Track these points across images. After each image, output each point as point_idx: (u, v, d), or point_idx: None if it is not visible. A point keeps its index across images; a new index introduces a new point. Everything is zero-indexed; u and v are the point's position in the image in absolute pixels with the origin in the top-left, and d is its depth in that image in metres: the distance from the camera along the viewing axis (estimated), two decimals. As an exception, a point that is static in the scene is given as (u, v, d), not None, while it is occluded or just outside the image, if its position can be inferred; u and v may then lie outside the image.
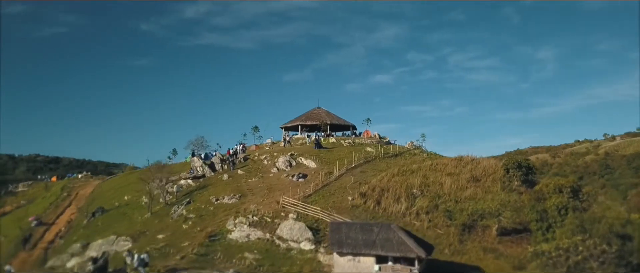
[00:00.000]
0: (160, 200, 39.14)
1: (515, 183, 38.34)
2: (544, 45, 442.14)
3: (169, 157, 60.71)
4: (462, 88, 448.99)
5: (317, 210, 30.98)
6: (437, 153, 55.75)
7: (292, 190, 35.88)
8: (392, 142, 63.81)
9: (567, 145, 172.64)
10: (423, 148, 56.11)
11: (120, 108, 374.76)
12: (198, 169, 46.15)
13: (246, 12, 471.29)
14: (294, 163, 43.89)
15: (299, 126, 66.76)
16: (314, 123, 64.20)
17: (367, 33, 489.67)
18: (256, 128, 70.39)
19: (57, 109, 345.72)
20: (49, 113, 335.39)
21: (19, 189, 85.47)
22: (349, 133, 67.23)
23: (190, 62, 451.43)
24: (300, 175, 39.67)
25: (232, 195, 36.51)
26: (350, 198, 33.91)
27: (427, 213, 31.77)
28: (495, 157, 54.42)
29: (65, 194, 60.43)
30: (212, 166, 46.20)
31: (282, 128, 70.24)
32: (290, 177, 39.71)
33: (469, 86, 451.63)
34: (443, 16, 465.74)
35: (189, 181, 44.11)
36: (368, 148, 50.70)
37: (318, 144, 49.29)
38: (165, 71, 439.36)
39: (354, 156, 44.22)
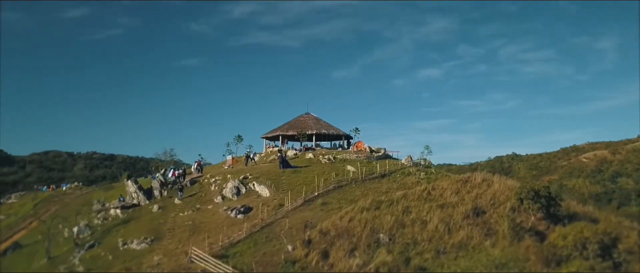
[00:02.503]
0: (75, 237, 32.33)
1: (532, 218, 29.29)
2: (604, 35, 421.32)
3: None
4: (514, 81, 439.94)
5: (230, 271, 22.92)
6: (448, 164, 46.77)
7: (226, 230, 28.23)
8: (391, 155, 54.99)
9: (628, 141, 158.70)
10: (422, 165, 46.95)
11: (173, 107, 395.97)
12: (132, 195, 39.11)
13: (292, 11, 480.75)
14: (242, 190, 36.02)
15: (280, 137, 58.88)
16: (296, 132, 56.14)
17: (415, 27, 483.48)
18: (239, 137, 63.38)
19: (112, 108, 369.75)
20: (105, 111, 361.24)
21: (11, 200, 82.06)
22: (339, 143, 58.87)
23: (239, 62, 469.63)
24: (242, 209, 31.76)
25: (143, 237, 29.06)
26: (289, 247, 25.70)
27: (389, 274, 23.23)
28: (514, 178, 44.76)
29: (31, 213, 55.51)
30: (149, 193, 39.04)
31: (263, 138, 62.63)
32: (229, 211, 31.87)
33: (522, 79, 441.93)
34: (494, 8, 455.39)
35: (118, 211, 37.14)
36: (348, 167, 42.19)
37: (284, 162, 41.18)
38: (215, 71, 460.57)
39: (319, 182, 35.84)
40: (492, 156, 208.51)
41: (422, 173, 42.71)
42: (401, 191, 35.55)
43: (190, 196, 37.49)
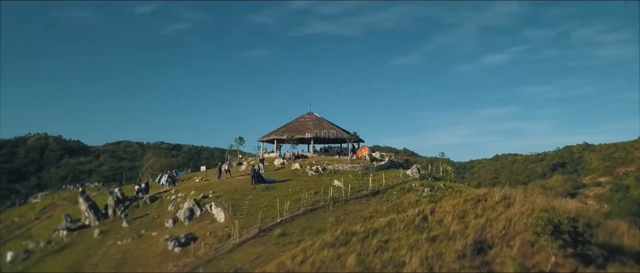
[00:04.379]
0: None
1: (553, 259, 23.01)
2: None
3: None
4: (587, 65, 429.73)
5: None
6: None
7: (155, 268, 23.51)
8: (398, 162, 48.51)
9: None
10: (431, 178, 40.22)
11: (238, 97, 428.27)
12: (84, 214, 35.27)
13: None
14: (197, 213, 31.09)
15: (275, 141, 53.68)
16: (293, 134, 50.65)
17: (479, 11, 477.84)
18: (241, 139, 59.14)
19: (179, 99, 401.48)
20: (172, 103, 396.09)
21: (36, 199, 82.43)
22: (340, 146, 52.95)
23: (300, 52, 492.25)
24: (183, 239, 26.81)
25: (56, 276, 24.78)
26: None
27: None
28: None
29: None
30: (99, 211, 35.04)
31: (260, 141, 57.70)
32: (169, 241, 27.02)
33: (596, 63, 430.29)
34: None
35: (64, 233, 33.39)
36: (335, 182, 36.33)
37: (257, 177, 35.86)
38: (278, 61, 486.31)
39: (286, 204, 30.25)
40: (562, 145, 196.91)
41: (426, 189, 36.15)
42: (389, 216, 29.50)
43: (141, 217, 33.09)
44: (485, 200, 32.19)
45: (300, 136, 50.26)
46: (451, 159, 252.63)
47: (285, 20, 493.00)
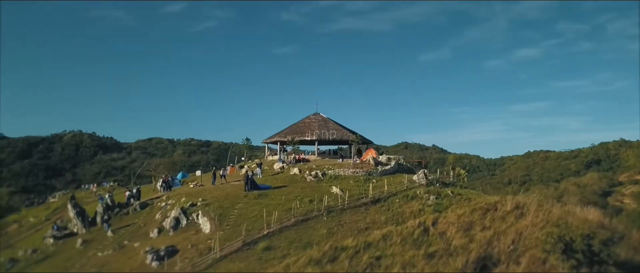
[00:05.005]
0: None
1: None
2: None
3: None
4: (623, 59, 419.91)
5: None
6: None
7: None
8: (407, 166, 46.23)
9: None
10: (439, 184, 37.79)
11: (265, 94, 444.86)
12: (74, 221, 34.29)
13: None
14: (183, 222, 29.60)
15: (278, 143, 51.99)
16: (294, 137, 48.83)
17: (510, 4, 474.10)
18: (247, 141, 57.87)
19: (208, 96, 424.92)
20: (202, 99, 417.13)
21: (55, 199, 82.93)
22: (340, 151, 50.84)
23: (328, 48, 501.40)
24: (163, 252, 25.31)
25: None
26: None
27: None
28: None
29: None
30: (87, 219, 33.95)
31: (265, 142, 56.14)
32: (149, 254, 25.57)
33: (632, 57, 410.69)
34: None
35: (50, 241, 32.46)
36: (334, 189, 34.36)
37: (251, 183, 34.17)
38: (306, 58, 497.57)
39: (277, 214, 28.44)
40: (597, 142, 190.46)
41: (431, 197, 33.81)
42: (386, 228, 27.42)
43: (127, 226, 31.84)
44: (495, 210, 29.73)
45: (301, 138, 48.43)
46: (481, 155, 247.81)
47: (312, 16, 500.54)
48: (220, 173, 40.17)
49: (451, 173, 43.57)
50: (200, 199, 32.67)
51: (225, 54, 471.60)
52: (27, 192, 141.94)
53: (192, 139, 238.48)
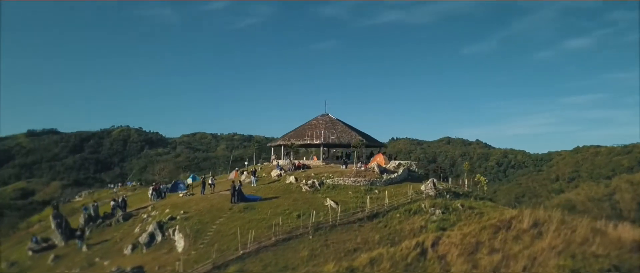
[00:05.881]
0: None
1: None
2: None
3: None
4: None
5: None
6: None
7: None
8: (418, 173, 42.78)
9: None
10: (449, 196, 34.18)
11: (308, 89, 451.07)
12: (56, 233, 32.83)
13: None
14: (158, 238, 27.45)
15: (281, 147, 49.36)
16: (293, 141, 46.07)
17: None
18: (257, 143, 55.65)
19: (251, 92, 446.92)
20: (244, 95, 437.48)
21: (82, 198, 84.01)
22: (344, 157, 47.69)
23: (369, 42, 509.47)
24: (126, 275, 23.20)
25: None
26: None
27: None
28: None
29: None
30: (67, 230, 32.42)
31: (271, 146, 53.71)
32: (114, 276, 23.51)
33: None
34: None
35: (30, 253, 31.10)
36: (328, 202, 31.44)
37: (238, 194, 31.69)
38: (347, 52, 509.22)
39: (250, 235, 25.80)
40: None
41: (437, 211, 30.43)
42: (377, 251, 24.40)
43: (105, 241, 30.01)
44: (509, 227, 26.26)
45: (304, 142, 45.66)
46: (527, 150, 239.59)
47: (353, 10, 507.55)
48: (209, 181, 37.99)
49: (466, 182, 39.78)
50: (181, 211, 30.50)
51: (267, 49, 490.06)
52: (79, 185, 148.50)
53: (235, 134, 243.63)
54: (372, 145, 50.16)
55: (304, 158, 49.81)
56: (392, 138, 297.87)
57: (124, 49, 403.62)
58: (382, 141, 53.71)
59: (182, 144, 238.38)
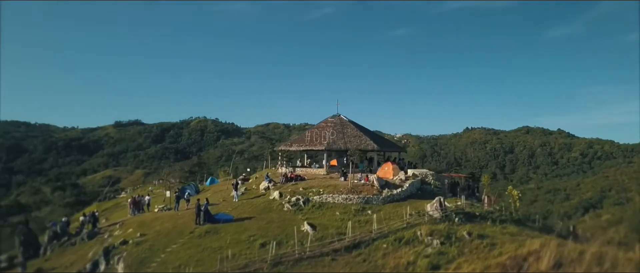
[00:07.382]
0: None
1: None
2: None
3: None
4: None
5: None
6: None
7: None
8: (434, 186, 37.26)
9: None
10: (460, 220, 28.54)
11: (380, 78, 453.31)
12: (19, 250, 30.94)
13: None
14: (101, 267, 24.49)
15: (279, 154, 45.29)
16: (304, 147, 41.88)
17: None
18: (272, 145, 52.48)
19: (326, 82, 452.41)
20: (317, 84, 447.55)
21: (126, 194, 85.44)
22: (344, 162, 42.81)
23: (446, 27, 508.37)
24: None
25: None
26: None
27: None
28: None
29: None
30: (30, 246, 30.39)
31: (279, 150, 49.87)
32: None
33: None
34: None
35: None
36: (306, 226, 27.05)
37: (205, 214, 28.03)
38: (423, 39, 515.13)
39: (188, 268, 22.03)
40: None
41: (435, 241, 25.16)
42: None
43: (52, 269, 27.46)
44: (521, 267, 20.94)
45: (303, 148, 41.43)
46: (616, 140, 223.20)
47: None
48: (185, 196, 34.76)
49: (485, 199, 33.74)
50: (138, 234, 27.42)
51: (340, 39, 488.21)
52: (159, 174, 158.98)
53: (306, 124, 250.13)
54: (385, 151, 45.03)
55: (313, 165, 45.52)
56: (467, 128, 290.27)
57: (203, 45, 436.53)
58: (401, 146, 48.25)
59: (256, 134, 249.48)
